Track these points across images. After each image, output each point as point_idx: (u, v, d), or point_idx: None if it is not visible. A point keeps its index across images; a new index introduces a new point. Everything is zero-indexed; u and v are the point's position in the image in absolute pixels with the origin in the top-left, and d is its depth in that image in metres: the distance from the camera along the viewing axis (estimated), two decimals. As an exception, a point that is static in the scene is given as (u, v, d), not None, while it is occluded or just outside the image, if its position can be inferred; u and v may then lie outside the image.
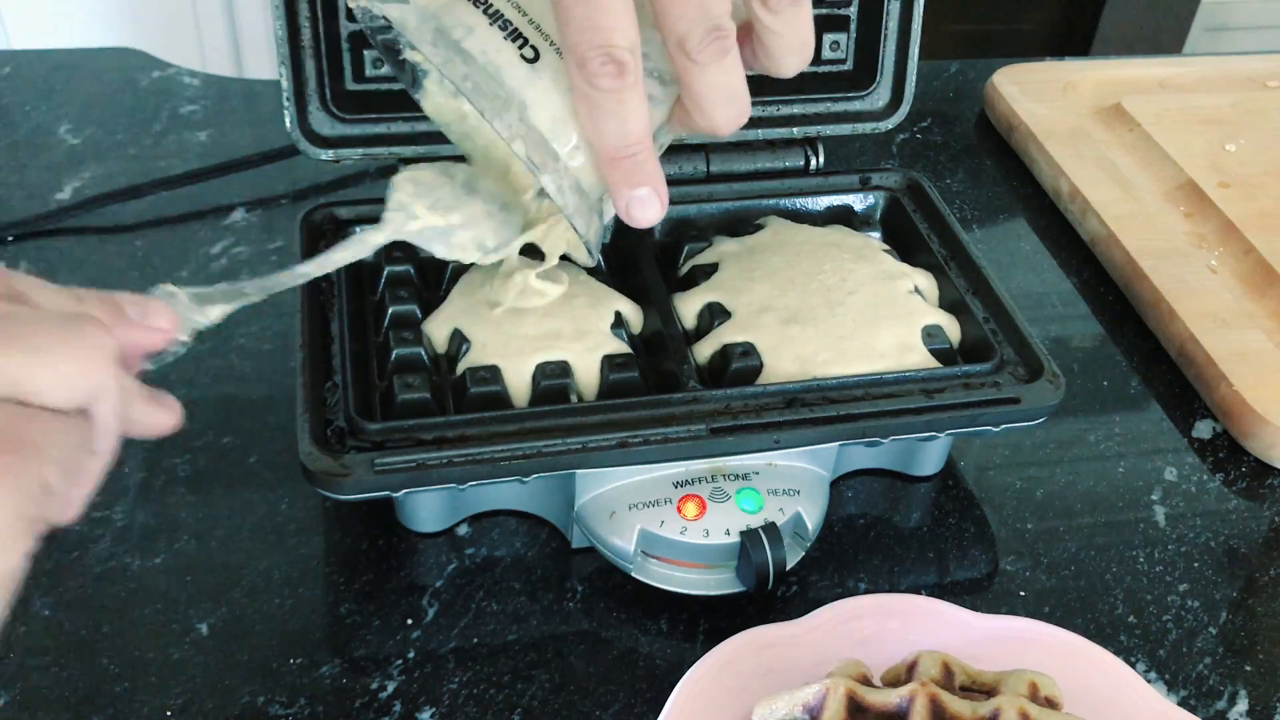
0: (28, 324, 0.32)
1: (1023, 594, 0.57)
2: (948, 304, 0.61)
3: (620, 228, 0.64)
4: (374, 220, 0.62)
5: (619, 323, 0.59)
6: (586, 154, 0.44)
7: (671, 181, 0.66)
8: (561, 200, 0.44)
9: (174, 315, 0.38)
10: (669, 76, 0.44)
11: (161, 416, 0.38)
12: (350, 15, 0.60)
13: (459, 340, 0.56)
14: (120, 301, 0.37)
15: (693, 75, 0.42)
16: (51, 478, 0.31)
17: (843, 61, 0.67)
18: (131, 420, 0.36)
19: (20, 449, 0.30)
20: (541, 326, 0.56)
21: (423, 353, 0.56)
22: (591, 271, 0.62)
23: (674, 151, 0.67)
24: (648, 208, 0.44)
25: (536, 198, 0.51)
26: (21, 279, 0.35)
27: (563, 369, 0.55)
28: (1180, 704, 0.52)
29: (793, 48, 0.44)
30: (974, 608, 0.52)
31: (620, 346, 0.57)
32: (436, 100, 0.51)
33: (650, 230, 0.65)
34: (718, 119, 0.43)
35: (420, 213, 0.48)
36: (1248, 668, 0.54)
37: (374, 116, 0.62)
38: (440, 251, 0.48)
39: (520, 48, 0.43)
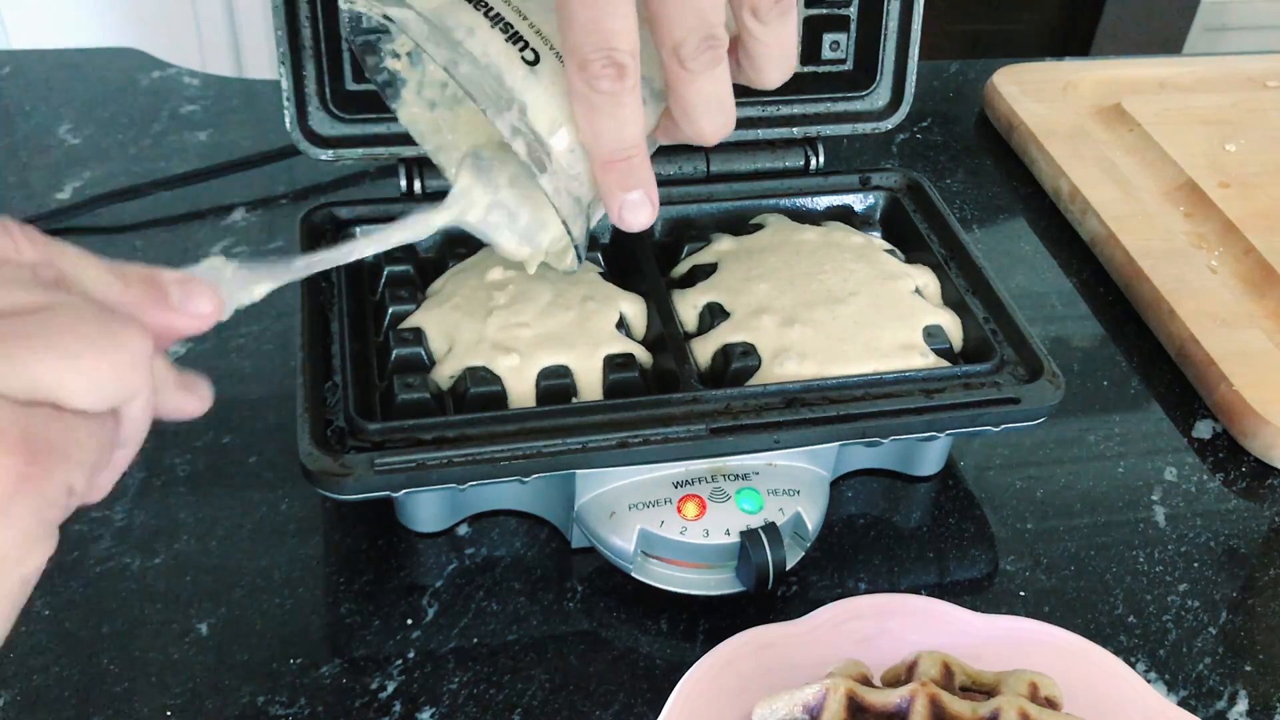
0: (63, 325, 0.31)
1: (1023, 594, 0.57)
2: (948, 303, 0.61)
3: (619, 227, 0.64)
4: (375, 220, 0.63)
5: (622, 323, 0.59)
6: (582, 159, 0.44)
7: (671, 181, 0.67)
8: (558, 203, 0.44)
9: (218, 300, 0.37)
10: (658, 87, 0.44)
11: (193, 403, 0.37)
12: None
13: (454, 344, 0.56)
14: (165, 284, 0.36)
15: (684, 83, 0.42)
16: (76, 481, 0.31)
17: (843, 61, 0.67)
18: (162, 409, 0.35)
19: (46, 456, 0.29)
20: (546, 326, 0.56)
21: (423, 352, 0.56)
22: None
23: (674, 151, 0.67)
24: (640, 211, 0.45)
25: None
26: (67, 255, 0.34)
27: (566, 371, 0.55)
28: (1180, 704, 0.52)
29: (777, 59, 0.44)
30: (974, 608, 0.52)
31: (623, 346, 0.57)
32: (413, 110, 0.51)
33: (650, 230, 0.65)
34: (705, 128, 0.44)
35: (480, 200, 0.47)
36: (1248, 668, 0.54)
37: (374, 116, 0.62)
38: (498, 241, 0.48)
39: (521, 50, 0.43)
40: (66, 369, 0.30)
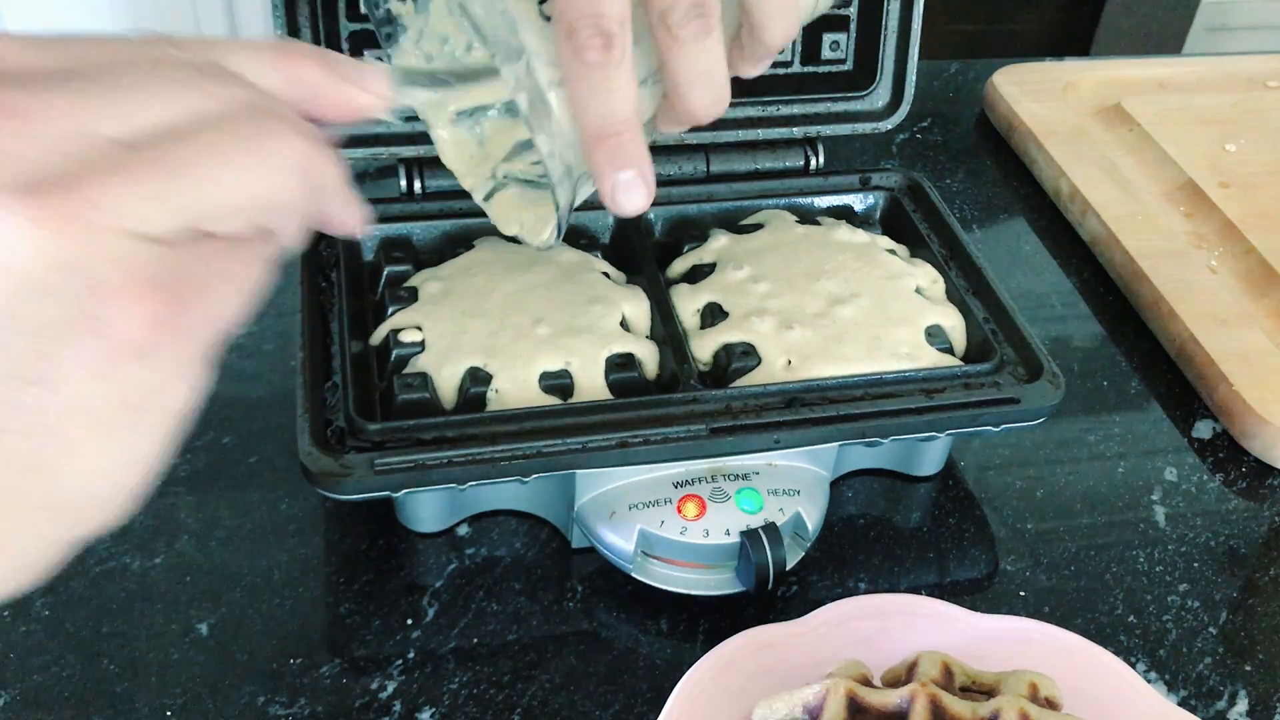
0: (207, 141, 0.28)
1: (1023, 594, 0.57)
2: (949, 301, 0.61)
3: (619, 228, 0.64)
4: (376, 220, 0.63)
5: (624, 323, 0.58)
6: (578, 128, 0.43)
7: (671, 181, 0.67)
8: (551, 165, 0.42)
9: (390, 80, 0.35)
10: (655, 73, 0.43)
11: (353, 219, 0.34)
12: (350, 14, 0.60)
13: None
14: (335, 59, 0.33)
15: (673, 53, 0.41)
16: (224, 311, 0.29)
17: (843, 61, 0.67)
18: (324, 218, 0.33)
19: (185, 296, 0.28)
20: (547, 326, 0.56)
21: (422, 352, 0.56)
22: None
23: (674, 151, 0.67)
24: (633, 193, 0.43)
25: (504, 161, 0.50)
26: (218, 46, 0.31)
27: (566, 373, 0.55)
28: (1180, 704, 0.52)
29: (777, 9, 0.43)
30: (974, 608, 0.52)
31: (625, 345, 0.57)
32: (409, 61, 0.50)
33: (650, 230, 0.65)
34: (695, 102, 0.43)
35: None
36: (1248, 668, 0.54)
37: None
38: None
39: (541, 3, 0.42)
40: (211, 193, 0.28)
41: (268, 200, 0.30)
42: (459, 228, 0.63)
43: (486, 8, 0.41)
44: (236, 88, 0.30)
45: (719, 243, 0.63)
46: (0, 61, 0.28)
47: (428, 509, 0.56)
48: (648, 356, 0.57)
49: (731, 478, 0.53)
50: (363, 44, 0.60)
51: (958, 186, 0.84)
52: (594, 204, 0.64)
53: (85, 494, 0.29)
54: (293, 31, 0.58)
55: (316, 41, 0.59)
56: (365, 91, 0.33)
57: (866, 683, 0.45)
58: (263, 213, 0.30)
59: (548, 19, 0.42)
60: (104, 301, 0.27)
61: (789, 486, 0.54)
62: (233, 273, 0.30)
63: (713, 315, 0.59)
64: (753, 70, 0.46)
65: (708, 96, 0.43)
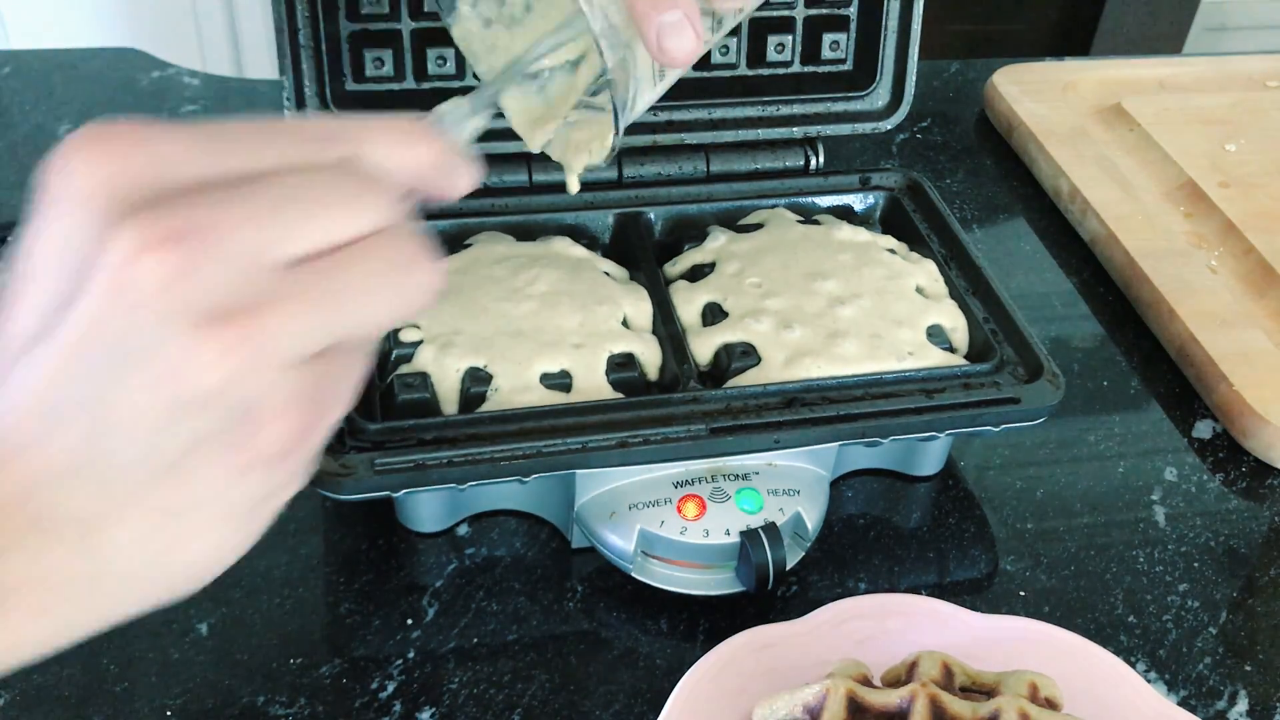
0: (361, 274, 0.30)
1: (1023, 594, 0.57)
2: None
3: (619, 227, 0.64)
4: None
5: (625, 323, 0.58)
6: None
7: (671, 181, 0.67)
8: (592, 16, 0.39)
9: (476, 169, 0.35)
10: None
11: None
12: (350, 14, 0.60)
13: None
14: (444, 140, 0.34)
15: None
16: (345, 408, 0.32)
17: (843, 61, 0.67)
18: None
19: (327, 410, 0.31)
20: (548, 326, 0.56)
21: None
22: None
23: (674, 151, 0.67)
24: (681, 35, 0.39)
25: (566, 127, 0.50)
26: (351, 129, 0.32)
27: (568, 373, 0.55)
28: (1180, 704, 0.52)
29: None
30: (974, 608, 0.52)
31: (627, 344, 0.57)
32: (467, 26, 0.50)
33: (650, 230, 0.65)
34: None
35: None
36: (1248, 668, 0.54)
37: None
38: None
39: None
40: (365, 323, 0.31)
41: (398, 321, 0.32)
42: (456, 227, 0.63)
43: None
44: (381, 205, 0.31)
45: (718, 242, 0.63)
46: (168, 169, 0.29)
47: (428, 509, 0.56)
48: (649, 355, 0.57)
49: (731, 478, 0.53)
50: (363, 43, 0.60)
51: (958, 186, 0.84)
52: (595, 204, 0.65)
53: (191, 573, 0.32)
54: (292, 32, 0.58)
55: (316, 42, 0.59)
56: (464, 177, 0.35)
57: (866, 683, 0.45)
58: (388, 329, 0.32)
59: None
60: (254, 423, 0.29)
61: (789, 486, 0.54)
62: (357, 371, 0.32)
63: (712, 315, 0.59)
64: None
65: None
